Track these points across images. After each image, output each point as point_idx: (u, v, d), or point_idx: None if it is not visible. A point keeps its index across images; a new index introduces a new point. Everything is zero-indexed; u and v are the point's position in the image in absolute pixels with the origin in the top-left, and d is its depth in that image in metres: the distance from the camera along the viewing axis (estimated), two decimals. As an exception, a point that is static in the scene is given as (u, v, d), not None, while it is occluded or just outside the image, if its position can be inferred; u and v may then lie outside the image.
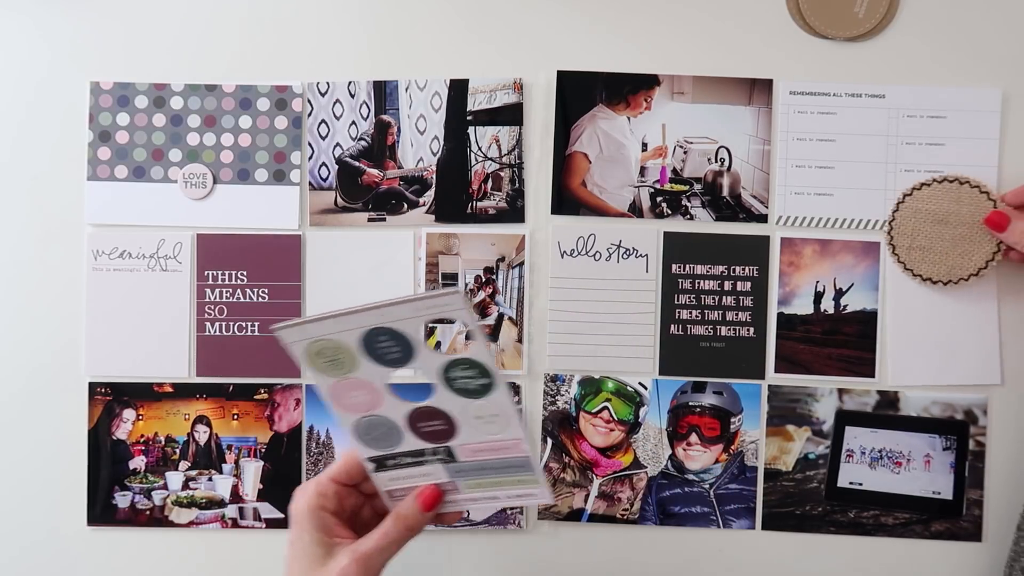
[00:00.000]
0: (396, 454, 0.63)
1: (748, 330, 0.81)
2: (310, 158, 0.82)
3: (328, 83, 0.81)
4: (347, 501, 0.65)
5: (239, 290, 0.81)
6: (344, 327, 0.59)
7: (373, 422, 0.62)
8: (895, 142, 0.80)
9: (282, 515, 0.81)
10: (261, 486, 0.82)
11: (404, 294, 0.61)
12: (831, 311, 0.80)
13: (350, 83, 0.81)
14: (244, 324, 0.81)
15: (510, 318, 0.81)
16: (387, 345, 0.59)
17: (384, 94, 0.81)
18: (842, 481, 0.80)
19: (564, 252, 0.81)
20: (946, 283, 0.79)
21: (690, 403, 0.81)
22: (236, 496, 0.82)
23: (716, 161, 0.81)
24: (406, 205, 0.81)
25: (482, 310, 0.81)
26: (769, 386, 0.80)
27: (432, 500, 0.64)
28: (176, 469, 0.82)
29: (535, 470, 0.64)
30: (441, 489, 0.64)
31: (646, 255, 0.80)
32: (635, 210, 0.81)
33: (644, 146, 0.81)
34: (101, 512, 0.81)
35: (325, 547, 0.61)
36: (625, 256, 0.80)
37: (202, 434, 0.82)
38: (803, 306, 0.80)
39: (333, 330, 0.59)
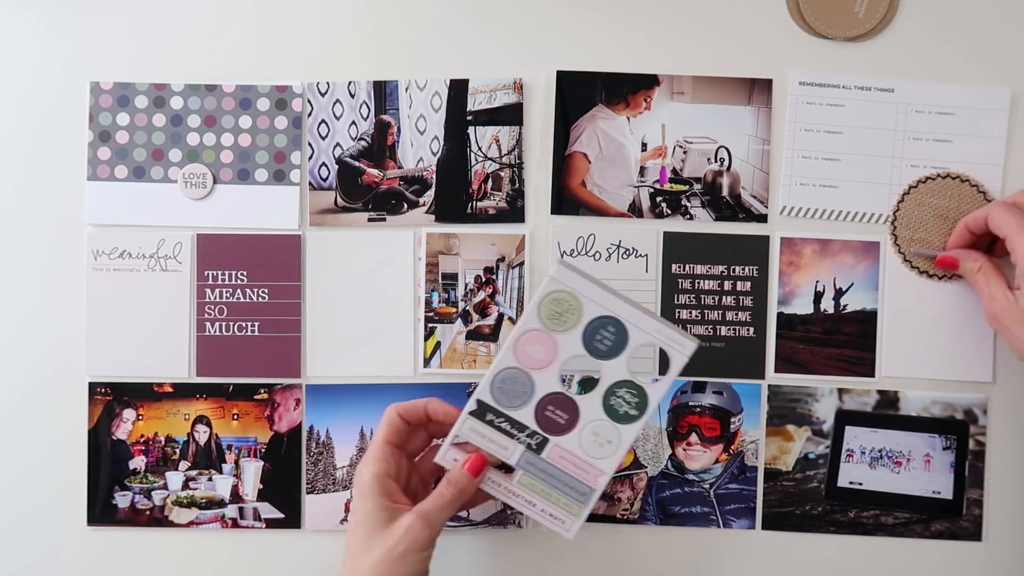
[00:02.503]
0: (502, 414, 0.67)
1: (748, 330, 0.81)
2: (310, 158, 0.82)
3: (328, 83, 0.81)
4: (402, 466, 0.69)
5: (239, 290, 0.82)
6: (597, 299, 0.66)
7: (518, 378, 0.67)
8: (902, 137, 0.80)
9: (282, 515, 0.81)
10: (261, 486, 0.82)
11: (653, 313, 0.67)
12: (831, 311, 0.80)
13: (350, 83, 0.81)
14: (244, 324, 0.81)
15: (510, 318, 0.81)
16: (606, 336, 0.66)
17: (384, 94, 0.81)
18: (842, 481, 0.80)
19: (564, 252, 0.81)
20: (940, 278, 0.79)
21: (690, 403, 0.81)
22: (236, 496, 0.82)
23: (716, 161, 0.81)
24: (406, 205, 0.82)
25: (482, 310, 0.81)
26: (769, 386, 0.80)
27: (478, 467, 0.67)
28: (176, 469, 0.82)
29: (587, 506, 0.68)
30: (487, 460, 0.68)
31: (646, 255, 0.80)
32: (635, 210, 0.81)
33: (644, 146, 0.81)
34: (101, 512, 0.81)
35: (389, 512, 0.65)
36: (625, 256, 0.81)
37: (202, 434, 0.82)
38: (803, 306, 0.80)
39: (589, 295, 0.66)
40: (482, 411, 0.67)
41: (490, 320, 0.81)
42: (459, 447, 0.69)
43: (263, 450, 0.82)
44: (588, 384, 0.70)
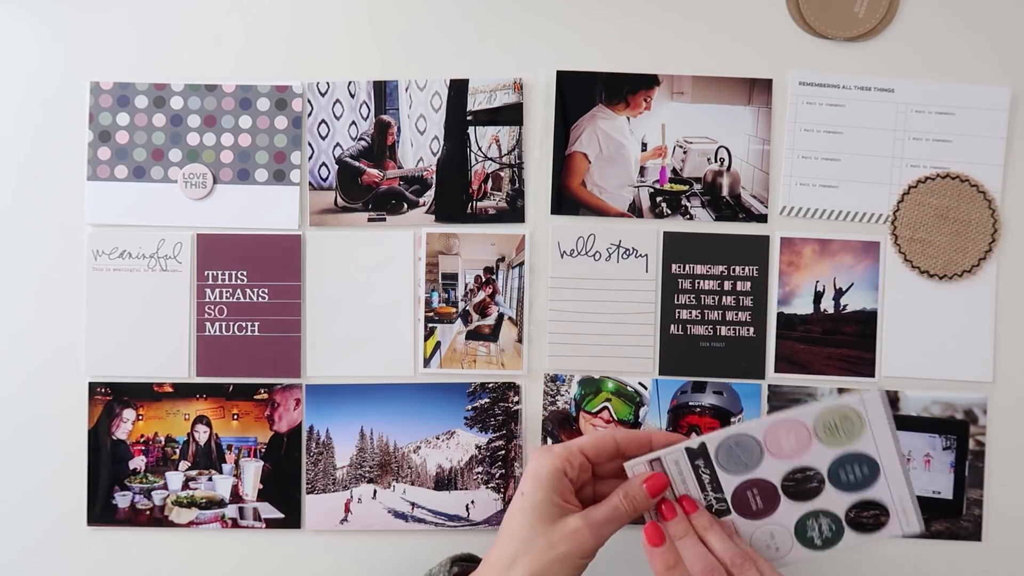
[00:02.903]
0: (711, 468, 0.65)
1: (748, 330, 0.81)
2: (310, 158, 0.82)
3: (328, 83, 0.81)
4: (583, 475, 0.66)
5: (239, 290, 0.82)
6: (879, 442, 0.63)
7: (753, 452, 0.65)
8: (902, 137, 0.80)
9: (282, 515, 0.81)
10: (261, 486, 0.82)
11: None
12: (831, 311, 0.80)
13: (350, 83, 0.81)
14: (244, 324, 0.81)
15: (510, 318, 0.81)
16: (855, 472, 0.64)
17: (384, 94, 0.81)
18: (842, 481, 0.80)
19: (564, 252, 0.81)
20: (941, 277, 0.79)
21: (690, 403, 0.81)
22: (236, 496, 0.82)
23: (716, 161, 0.81)
24: (406, 205, 0.81)
25: (482, 310, 0.81)
26: (769, 386, 0.80)
27: (658, 489, 0.65)
28: (176, 469, 0.82)
29: None
30: (668, 484, 0.66)
31: (646, 255, 0.80)
32: (635, 210, 0.81)
33: (644, 146, 0.81)
34: (101, 512, 0.81)
35: (558, 509, 0.63)
36: (625, 256, 0.81)
37: (202, 434, 0.82)
38: (803, 306, 0.80)
39: (876, 434, 0.63)
40: (697, 454, 0.65)
41: (490, 320, 0.81)
42: (650, 464, 0.67)
43: (263, 450, 0.82)
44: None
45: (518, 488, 0.65)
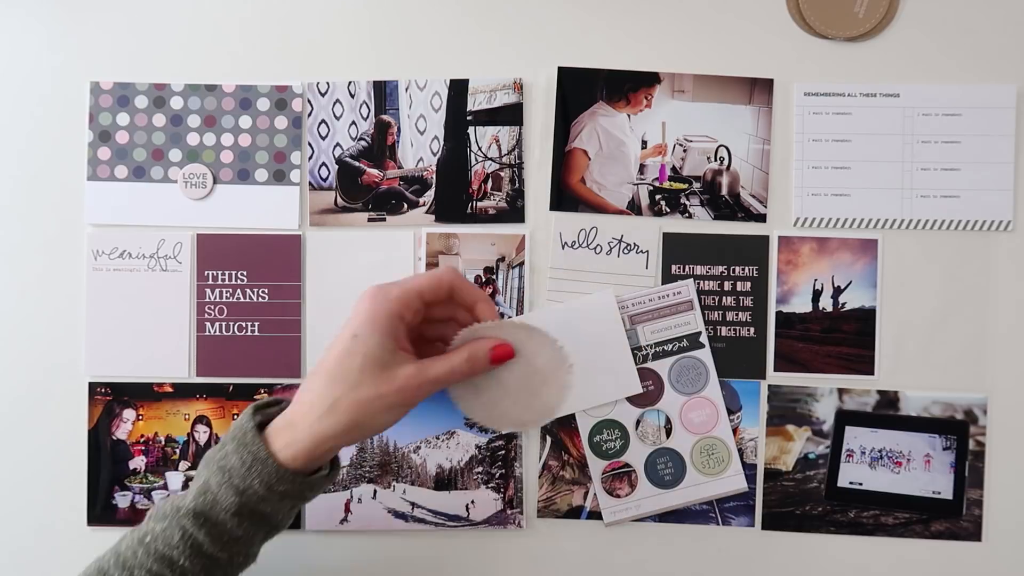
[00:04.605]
0: None
1: (748, 330, 0.80)
2: (310, 158, 0.82)
3: (328, 83, 0.81)
4: (417, 317, 0.65)
5: (239, 290, 0.82)
6: None
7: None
8: (911, 140, 0.80)
9: (282, 515, 0.81)
10: (261, 486, 0.81)
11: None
12: (829, 309, 0.80)
13: (350, 83, 0.81)
14: (244, 324, 0.81)
15: (510, 318, 0.81)
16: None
17: (384, 94, 0.82)
18: (842, 481, 0.80)
19: (565, 243, 0.81)
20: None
21: (690, 402, 0.81)
22: (236, 496, 0.81)
23: (715, 160, 0.81)
24: (406, 205, 0.82)
25: (482, 310, 0.81)
26: (769, 386, 0.80)
27: (504, 357, 0.66)
28: (176, 469, 0.82)
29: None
30: (513, 353, 0.67)
31: (647, 251, 0.80)
32: (634, 207, 0.81)
33: (644, 144, 0.81)
34: (101, 512, 0.81)
35: (391, 355, 0.62)
36: (626, 251, 0.80)
37: (202, 434, 0.82)
38: (801, 304, 0.80)
39: None
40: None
41: (490, 320, 0.81)
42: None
43: (263, 450, 0.82)
44: None
45: (348, 327, 0.63)
